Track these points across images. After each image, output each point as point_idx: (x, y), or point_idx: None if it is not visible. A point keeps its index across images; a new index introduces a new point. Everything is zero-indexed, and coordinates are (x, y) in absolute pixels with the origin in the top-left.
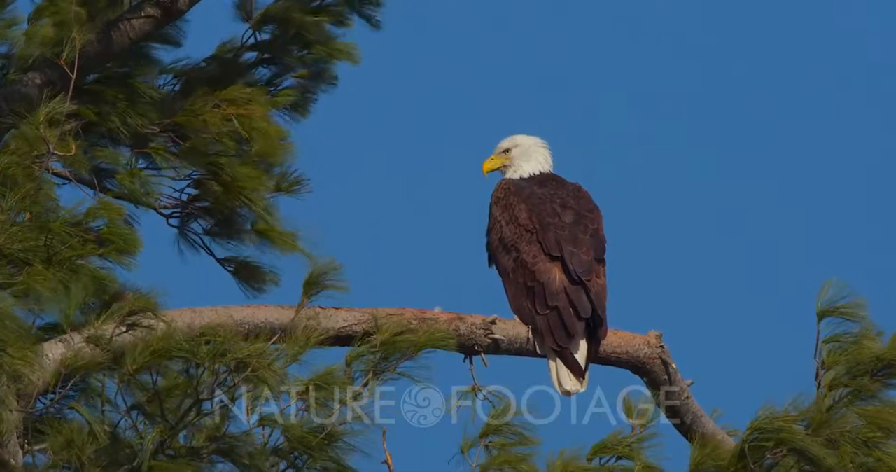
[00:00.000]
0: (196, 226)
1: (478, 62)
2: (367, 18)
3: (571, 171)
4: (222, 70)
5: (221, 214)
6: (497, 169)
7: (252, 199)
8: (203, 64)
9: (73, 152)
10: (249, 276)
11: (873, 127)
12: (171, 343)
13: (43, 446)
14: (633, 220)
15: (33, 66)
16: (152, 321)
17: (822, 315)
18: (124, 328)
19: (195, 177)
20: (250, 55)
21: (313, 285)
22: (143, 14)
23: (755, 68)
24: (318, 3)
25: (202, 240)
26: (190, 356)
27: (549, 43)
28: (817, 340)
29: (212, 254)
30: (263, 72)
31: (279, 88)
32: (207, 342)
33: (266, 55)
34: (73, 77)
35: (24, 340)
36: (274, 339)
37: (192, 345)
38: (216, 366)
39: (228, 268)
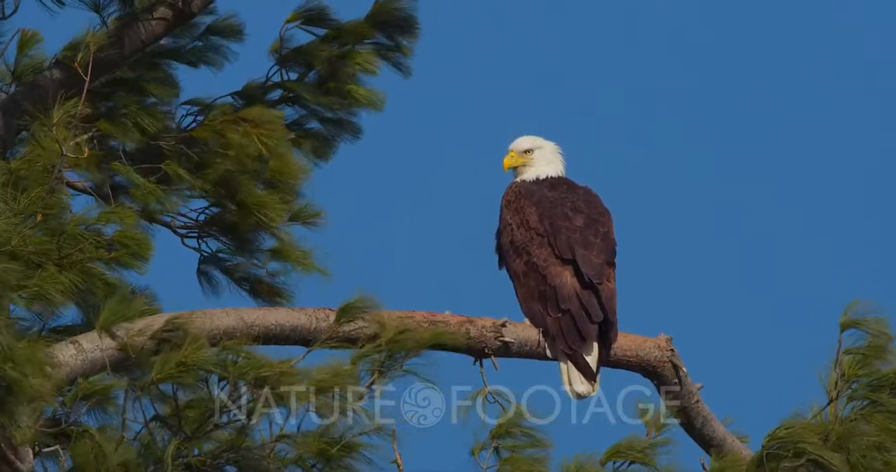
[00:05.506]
0: (213, 245)
1: (475, 60)
2: (398, 66)
3: (570, 169)
4: (247, 105)
5: (237, 234)
6: (515, 167)
7: (268, 219)
8: (228, 98)
9: (85, 155)
10: (265, 296)
11: (871, 124)
12: (201, 356)
13: (51, 449)
14: (632, 219)
15: (48, 68)
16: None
17: (844, 327)
18: (156, 341)
19: (211, 198)
20: (274, 94)
21: (348, 314)
22: (154, 17)
23: (753, 66)
24: (348, 47)
25: (220, 267)
26: (219, 371)
27: (546, 40)
28: (838, 351)
29: (229, 278)
30: (288, 112)
31: (303, 127)
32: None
33: (291, 94)
34: (87, 81)
35: (38, 355)
36: (303, 355)
37: (221, 360)
38: (237, 381)
39: (244, 287)
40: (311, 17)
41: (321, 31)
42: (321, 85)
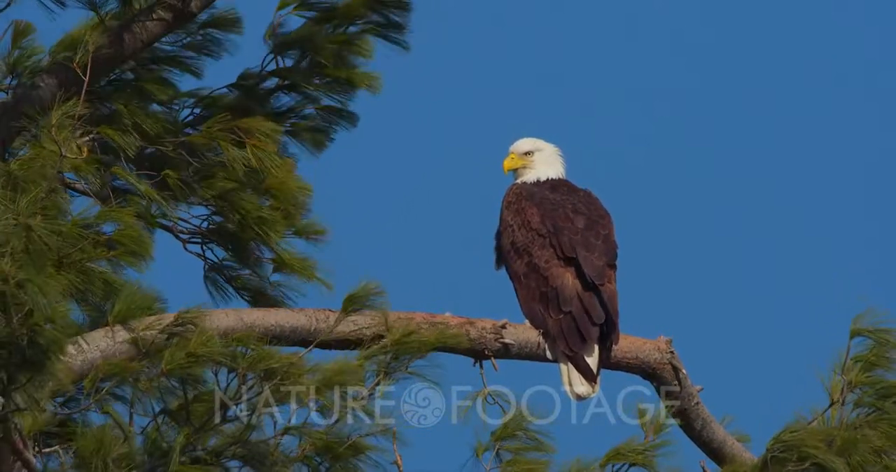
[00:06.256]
0: (216, 252)
1: (475, 60)
2: (396, 42)
3: (571, 170)
4: (243, 98)
5: (238, 244)
6: (516, 169)
7: (266, 237)
8: (224, 90)
9: (84, 155)
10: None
11: (871, 124)
12: (211, 347)
13: (53, 449)
14: (632, 220)
15: (46, 69)
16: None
17: (854, 334)
18: (166, 335)
19: (212, 207)
20: (271, 82)
21: (354, 303)
22: (154, 17)
23: (753, 66)
24: (342, 29)
25: (224, 275)
26: (228, 362)
27: (546, 40)
28: (846, 357)
29: (232, 286)
30: (285, 100)
31: (298, 115)
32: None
33: (287, 81)
34: (86, 81)
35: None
36: (306, 351)
37: (230, 351)
38: (246, 373)
39: (246, 298)
40: (304, 1)
41: (315, 15)
42: (317, 70)
